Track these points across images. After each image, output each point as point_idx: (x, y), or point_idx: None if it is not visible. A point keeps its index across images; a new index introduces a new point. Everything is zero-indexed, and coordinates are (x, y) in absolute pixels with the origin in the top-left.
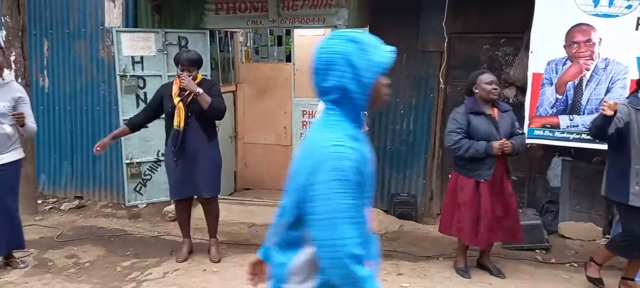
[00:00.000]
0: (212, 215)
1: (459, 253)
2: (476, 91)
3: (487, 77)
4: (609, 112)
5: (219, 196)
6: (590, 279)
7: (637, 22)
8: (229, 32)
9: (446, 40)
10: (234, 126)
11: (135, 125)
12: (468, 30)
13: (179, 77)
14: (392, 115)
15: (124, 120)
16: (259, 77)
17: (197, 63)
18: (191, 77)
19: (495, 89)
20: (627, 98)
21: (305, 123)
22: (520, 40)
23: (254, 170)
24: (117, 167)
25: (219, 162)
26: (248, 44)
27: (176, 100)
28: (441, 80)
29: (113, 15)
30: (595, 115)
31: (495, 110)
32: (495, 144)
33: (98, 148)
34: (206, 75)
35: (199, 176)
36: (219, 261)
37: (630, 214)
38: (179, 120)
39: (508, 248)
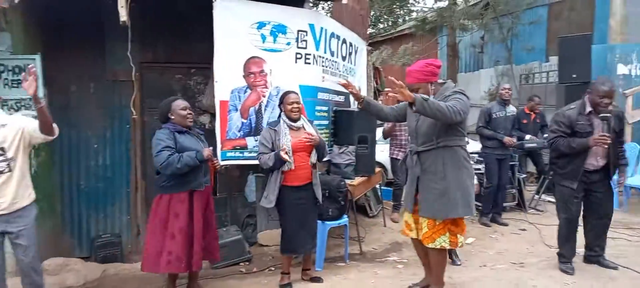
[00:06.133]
0: None
1: (168, 285)
2: (172, 117)
3: (180, 103)
4: None
5: None
6: (281, 287)
7: (296, 56)
8: None
9: (134, 69)
10: None
11: None
12: (158, 60)
13: None
14: (85, 151)
15: None
16: None
17: None
18: None
19: (190, 113)
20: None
21: None
22: (209, 70)
23: None
24: None
25: None
26: None
27: None
28: (133, 110)
29: None
30: None
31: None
32: (205, 150)
33: None
34: None
35: None
36: None
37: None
38: None
39: (215, 267)
